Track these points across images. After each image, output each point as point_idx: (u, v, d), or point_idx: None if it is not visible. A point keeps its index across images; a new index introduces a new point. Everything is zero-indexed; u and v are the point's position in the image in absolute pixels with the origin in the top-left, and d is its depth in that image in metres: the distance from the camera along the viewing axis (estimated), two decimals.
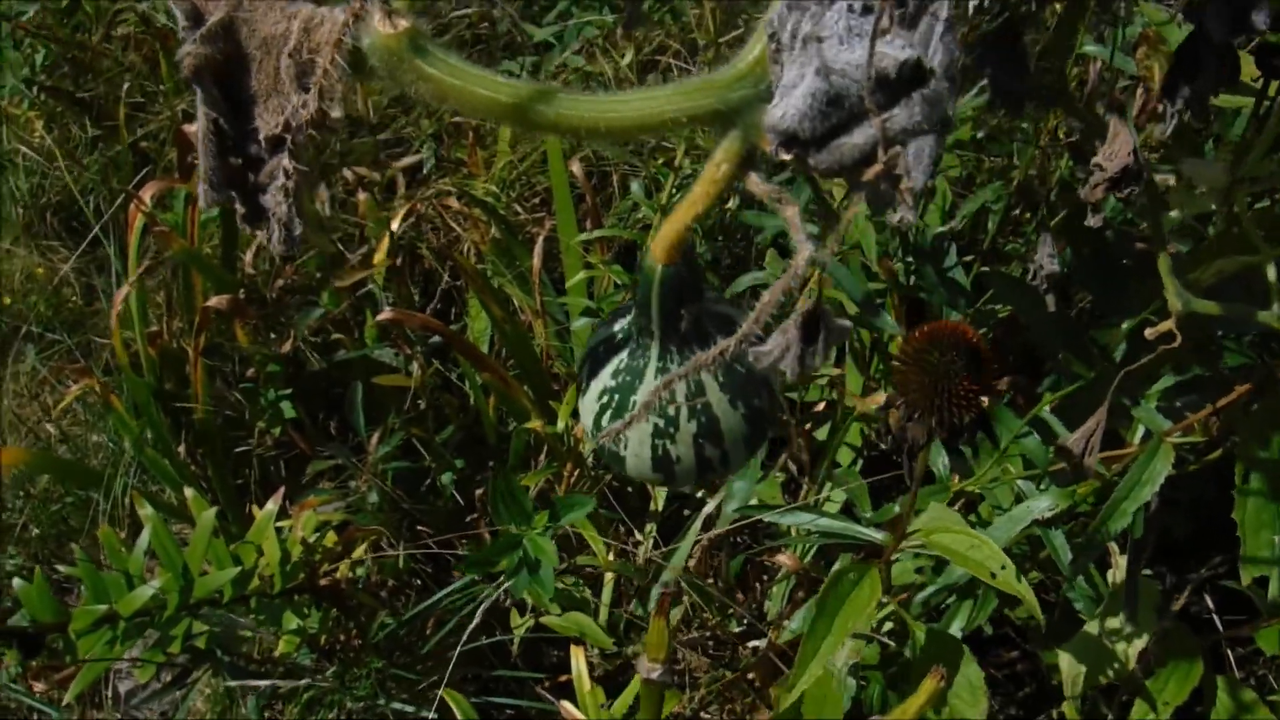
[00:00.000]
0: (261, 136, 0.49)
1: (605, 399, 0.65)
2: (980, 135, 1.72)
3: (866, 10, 0.43)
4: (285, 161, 0.48)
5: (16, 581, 1.13)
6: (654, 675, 0.85)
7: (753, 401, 0.64)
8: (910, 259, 1.47)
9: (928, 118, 0.42)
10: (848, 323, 0.51)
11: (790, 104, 0.43)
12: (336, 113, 0.48)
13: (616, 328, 0.67)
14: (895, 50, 0.42)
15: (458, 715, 0.98)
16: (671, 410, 0.63)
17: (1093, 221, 0.87)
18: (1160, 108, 0.75)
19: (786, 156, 0.45)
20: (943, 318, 1.50)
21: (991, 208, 1.61)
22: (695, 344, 0.62)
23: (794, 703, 0.87)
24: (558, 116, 0.48)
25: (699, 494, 1.60)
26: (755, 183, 0.50)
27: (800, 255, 0.46)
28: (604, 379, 0.65)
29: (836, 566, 1.14)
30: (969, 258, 1.57)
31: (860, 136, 0.44)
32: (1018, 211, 1.68)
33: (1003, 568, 0.76)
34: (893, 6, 0.41)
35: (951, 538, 0.80)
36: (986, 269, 1.56)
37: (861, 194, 0.46)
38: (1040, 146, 1.55)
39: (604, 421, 0.65)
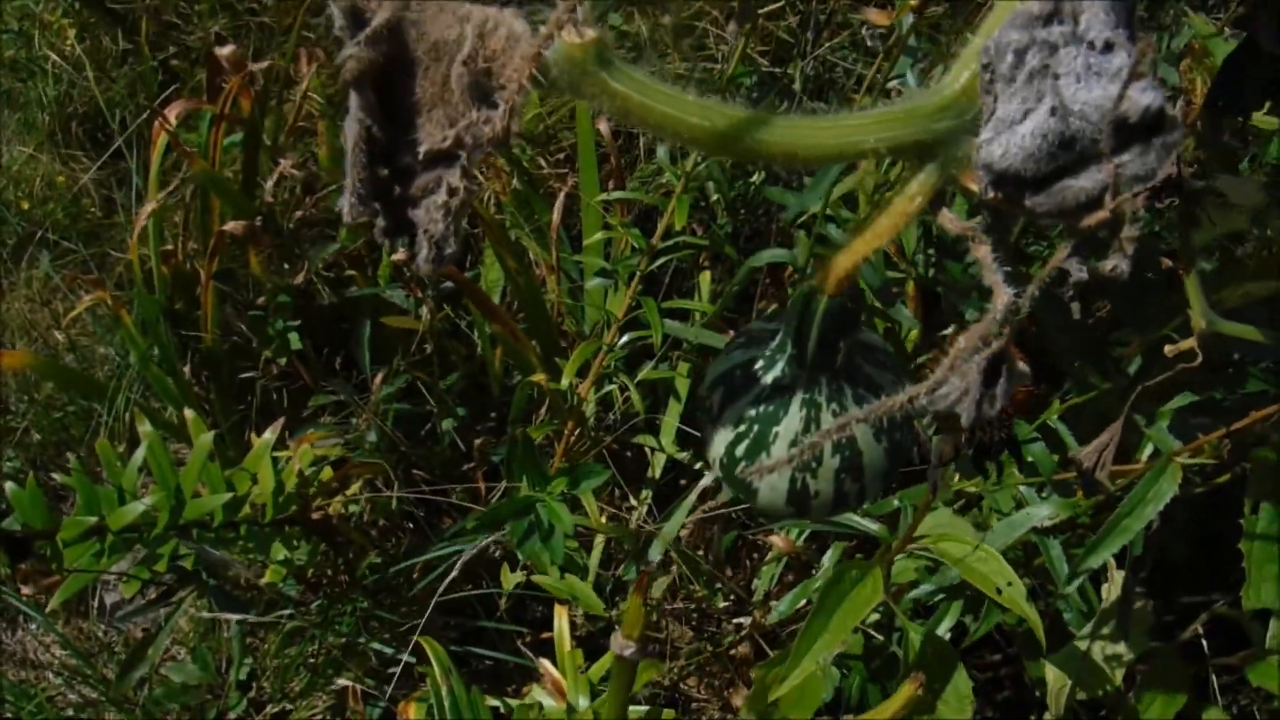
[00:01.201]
0: (422, 149, 0.45)
1: (743, 428, 0.62)
2: None
3: (1108, 48, 0.41)
4: (454, 179, 0.45)
5: (9, 486, 1.13)
6: (627, 653, 0.82)
7: (895, 435, 0.62)
8: (932, 251, 1.45)
9: (1161, 165, 0.41)
10: (1027, 369, 0.49)
11: (1013, 141, 0.42)
12: (516, 127, 0.45)
13: (757, 353, 0.64)
14: (1138, 93, 0.40)
15: (434, 662, 0.98)
16: None
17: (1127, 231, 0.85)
18: (1199, 123, 0.73)
19: (995, 195, 0.43)
20: (958, 313, 1.48)
21: None
22: (845, 378, 0.60)
23: (772, 690, 0.86)
24: (752, 142, 0.46)
25: (697, 465, 1.59)
26: (948, 218, 0.48)
27: (998, 300, 0.44)
28: (742, 407, 0.62)
29: (831, 557, 1.14)
30: None
31: (1088, 180, 0.42)
32: None
33: (1009, 584, 0.75)
34: (1149, 45, 0.40)
35: (959, 548, 0.79)
36: (1009, 269, 1.54)
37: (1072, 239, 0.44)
38: None
39: (738, 452, 0.62)
